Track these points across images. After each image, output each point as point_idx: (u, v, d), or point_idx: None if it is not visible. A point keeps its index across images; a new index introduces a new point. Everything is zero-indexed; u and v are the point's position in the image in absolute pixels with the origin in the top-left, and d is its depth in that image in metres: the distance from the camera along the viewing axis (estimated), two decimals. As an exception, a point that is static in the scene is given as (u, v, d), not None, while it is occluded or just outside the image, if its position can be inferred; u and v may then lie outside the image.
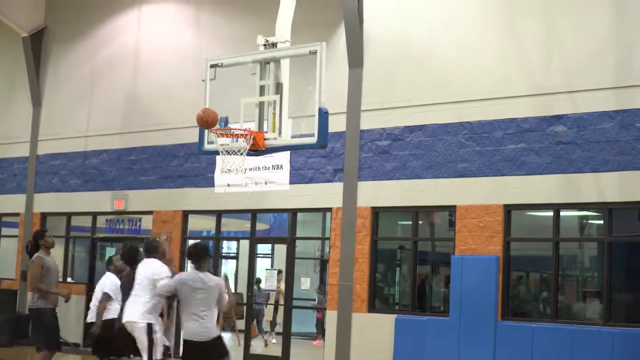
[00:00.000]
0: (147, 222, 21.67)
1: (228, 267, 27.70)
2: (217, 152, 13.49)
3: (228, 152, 13.10)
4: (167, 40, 21.76)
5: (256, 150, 13.01)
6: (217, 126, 12.99)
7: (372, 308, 17.74)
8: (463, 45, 16.87)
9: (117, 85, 22.57)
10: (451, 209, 16.93)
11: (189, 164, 20.53)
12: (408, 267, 18.02)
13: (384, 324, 17.25)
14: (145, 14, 22.39)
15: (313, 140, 12.79)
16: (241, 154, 12.95)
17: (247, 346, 20.07)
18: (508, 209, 16.19)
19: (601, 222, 15.76)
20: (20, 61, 24.50)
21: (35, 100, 24.01)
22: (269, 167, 18.99)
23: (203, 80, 14.10)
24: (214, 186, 19.90)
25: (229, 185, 19.52)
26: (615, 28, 15.20)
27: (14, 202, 24.86)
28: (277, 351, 19.40)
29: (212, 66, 13.87)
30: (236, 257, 27.23)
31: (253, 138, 12.82)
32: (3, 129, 25.21)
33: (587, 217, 16.62)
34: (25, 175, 24.70)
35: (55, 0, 24.31)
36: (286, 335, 19.35)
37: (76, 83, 23.54)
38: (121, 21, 22.84)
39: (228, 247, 27.37)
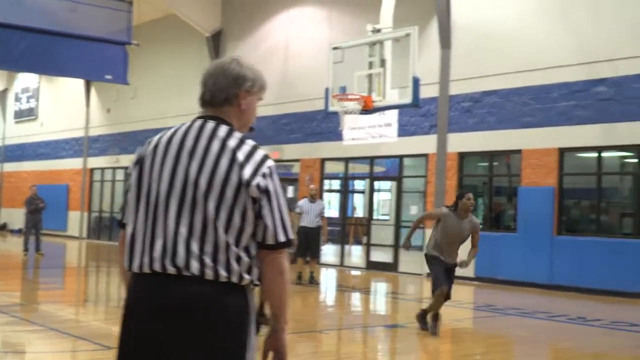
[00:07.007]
0: (295, 168, 21.56)
1: (354, 200, 27.21)
2: (337, 113, 13.18)
3: (345, 112, 12.77)
4: (307, 35, 21.38)
5: (366, 110, 12.65)
6: (337, 93, 12.67)
7: (459, 227, 17.15)
8: (525, 25, 15.96)
9: (273, 70, 22.23)
10: (518, 153, 16.15)
11: (324, 124, 20.20)
12: (487, 196, 17.40)
13: (468, 238, 16.66)
14: (292, 15, 22.04)
15: (408, 100, 12.33)
16: (355, 113, 12.61)
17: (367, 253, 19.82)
18: (561, 151, 15.33)
19: (635, 160, 14.78)
20: (203, 54, 24.42)
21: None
22: (382, 125, 18.55)
23: (335, 63, 13.65)
24: (342, 140, 19.56)
25: (353, 139, 19.20)
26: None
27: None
28: (389, 258, 19.01)
29: (334, 48, 13.54)
30: (363, 192, 26.78)
31: (364, 101, 12.46)
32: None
33: (623, 157, 15.61)
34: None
35: (228, 9, 24.22)
36: (395, 246, 18.97)
37: (244, 69, 23.40)
38: (275, 22, 22.55)
39: (355, 184, 26.94)
